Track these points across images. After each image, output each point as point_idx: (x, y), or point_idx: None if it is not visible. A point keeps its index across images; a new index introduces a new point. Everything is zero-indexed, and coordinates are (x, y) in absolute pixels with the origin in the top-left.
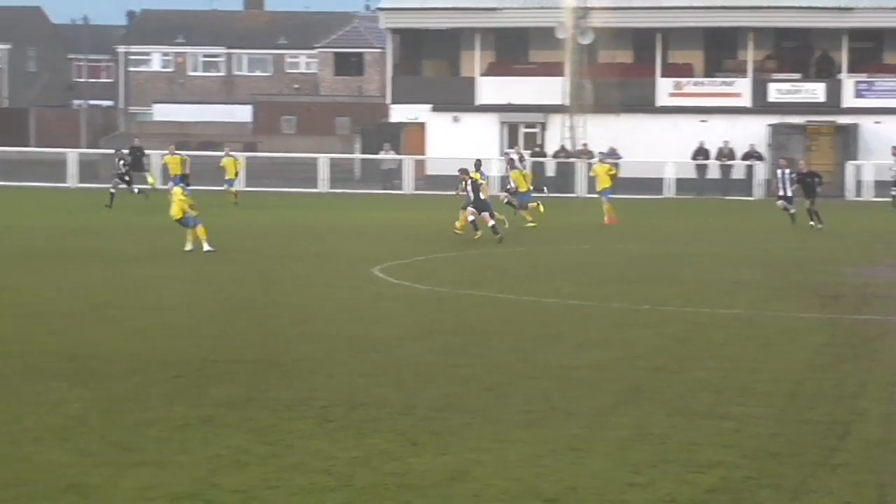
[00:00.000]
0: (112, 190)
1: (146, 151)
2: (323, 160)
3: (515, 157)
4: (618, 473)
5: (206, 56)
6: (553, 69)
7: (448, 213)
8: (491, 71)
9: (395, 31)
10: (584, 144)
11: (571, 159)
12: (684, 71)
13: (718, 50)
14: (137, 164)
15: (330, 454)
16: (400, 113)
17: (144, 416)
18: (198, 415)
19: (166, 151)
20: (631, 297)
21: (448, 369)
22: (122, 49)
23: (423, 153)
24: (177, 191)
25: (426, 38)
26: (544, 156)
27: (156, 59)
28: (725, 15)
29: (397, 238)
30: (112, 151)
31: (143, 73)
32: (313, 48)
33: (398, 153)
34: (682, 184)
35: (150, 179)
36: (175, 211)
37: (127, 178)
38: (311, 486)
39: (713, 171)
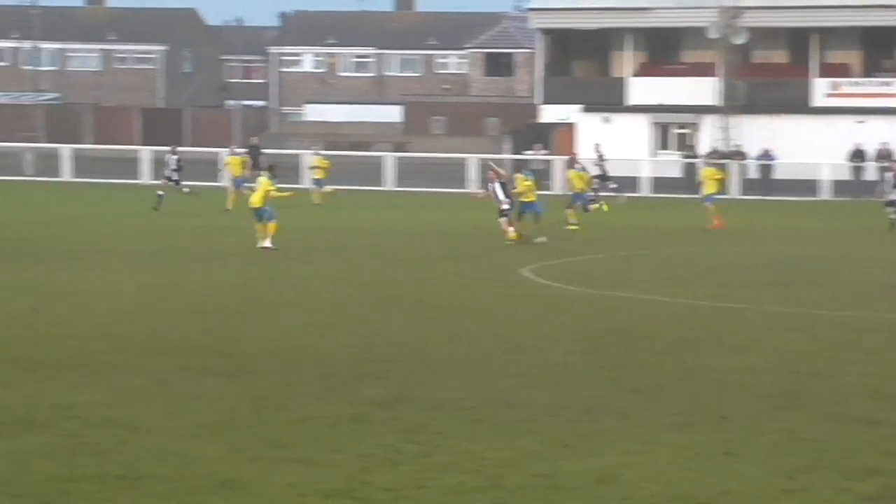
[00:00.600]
0: (159, 192)
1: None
2: (472, 160)
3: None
4: (772, 479)
5: (357, 57)
6: (705, 69)
7: (597, 215)
8: (642, 71)
9: (545, 31)
10: (738, 145)
11: (724, 161)
12: (841, 71)
13: (876, 49)
14: (255, 162)
15: (479, 454)
16: (550, 113)
17: (296, 413)
18: (349, 413)
19: (313, 152)
20: (783, 299)
21: (597, 371)
22: (274, 50)
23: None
24: (264, 181)
25: (577, 38)
26: (696, 157)
27: (307, 60)
28: (884, 14)
29: (549, 239)
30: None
31: (295, 73)
32: (463, 48)
33: (548, 154)
34: (838, 186)
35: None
36: (255, 199)
37: (175, 177)
38: (461, 487)
39: (870, 173)
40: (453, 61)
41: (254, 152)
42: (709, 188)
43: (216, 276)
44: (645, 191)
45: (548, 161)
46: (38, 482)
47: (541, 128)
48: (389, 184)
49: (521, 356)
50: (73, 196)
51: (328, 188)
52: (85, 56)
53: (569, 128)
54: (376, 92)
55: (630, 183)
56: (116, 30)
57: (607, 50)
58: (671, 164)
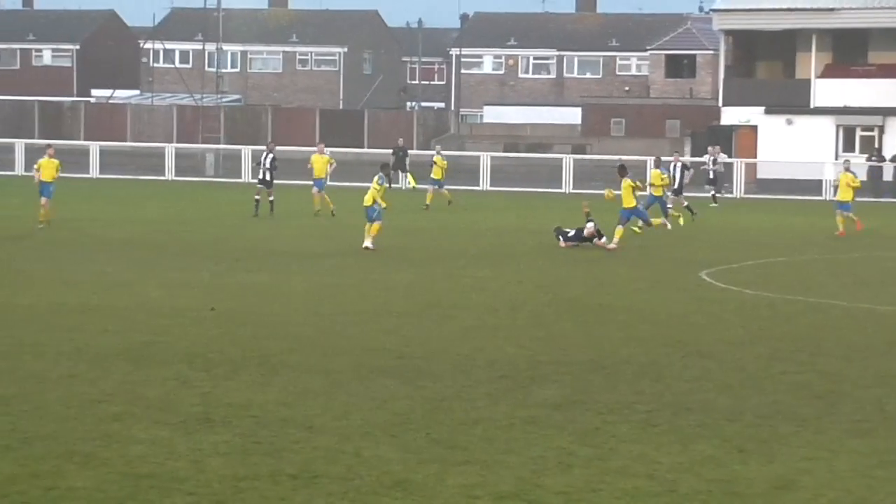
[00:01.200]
0: (256, 196)
1: (409, 152)
2: (652, 162)
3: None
4: None
5: (536, 58)
6: (893, 71)
7: (782, 218)
8: (827, 72)
9: (728, 32)
10: None
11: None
12: None
13: None
14: (400, 163)
15: (654, 459)
16: (732, 115)
17: (469, 415)
18: (522, 415)
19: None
20: None
21: (777, 376)
22: (454, 51)
23: (754, 156)
24: (375, 180)
25: (760, 39)
26: (882, 160)
27: (487, 62)
28: None
29: (727, 242)
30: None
31: (475, 75)
32: (645, 50)
33: (729, 156)
34: None
35: (410, 180)
36: (367, 199)
37: (268, 178)
38: (635, 491)
39: None
40: (634, 63)
41: (399, 153)
42: (843, 195)
43: (393, 277)
44: (828, 194)
45: (728, 164)
46: (214, 480)
47: (722, 130)
48: (568, 186)
49: (698, 360)
50: (251, 197)
51: (445, 190)
52: (267, 58)
53: (751, 130)
54: (556, 94)
55: (814, 186)
56: (298, 32)
57: (792, 51)
58: (856, 167)
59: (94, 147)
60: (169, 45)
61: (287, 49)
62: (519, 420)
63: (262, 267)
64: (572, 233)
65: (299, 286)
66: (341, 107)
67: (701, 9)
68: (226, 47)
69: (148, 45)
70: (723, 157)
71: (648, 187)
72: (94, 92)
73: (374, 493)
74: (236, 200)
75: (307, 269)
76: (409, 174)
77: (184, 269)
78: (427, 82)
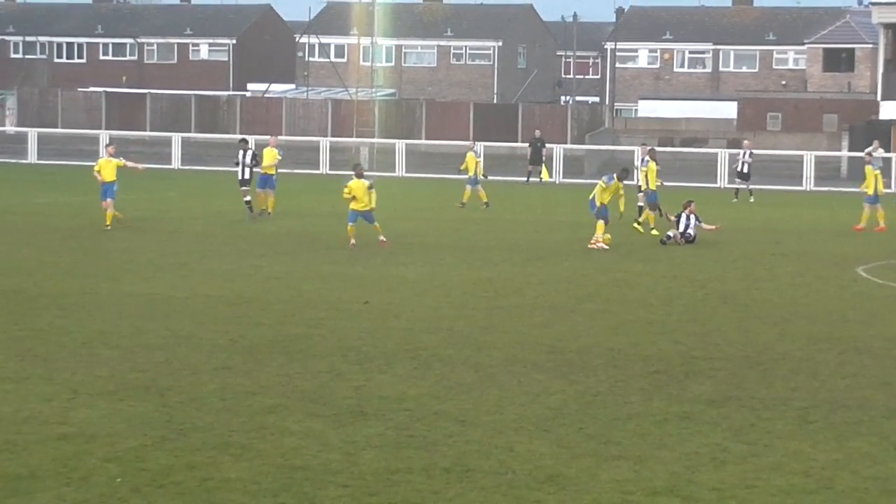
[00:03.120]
0: (246, 199)
1: (547, 144)
2: (808, 157)
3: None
4: None
5: (692, 52)
6: None
7: None
8: None
9: (887, 25)
10: None
11: None
12: None
13: None
14: (537, 155)
15: (810, 456)
16: (891, 110)
17: (623, 410)
18: (676, 411)
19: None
20: None
21: None
22: (609, 45)
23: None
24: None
25: None
26: None
27: (642, 56)
28: None
29: (883, 238)
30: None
31: (630, 69)
32: (802, 44)
33: (887, 151)
34: None
35: (543, 173)
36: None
37: (248, 177)
38: (790, 488)
39: None
40: (791, 56)
41: (536, 144)
42: (868, 187)
43: (545, 271)
44: None
45: (888, 158)
46: (367, 473)
47: (881, 125)
48: (722, 180)
49: (855, 356)
50: (405, 190)
51: (479, 188)
52: (421, 52)
53: None
54: (711, 88)
55: None
56: (453, 26)
57: None
58: None
59: (251, 141)
60: (324, 40)
61: (441, 43)
62: (673, 415)
63: (415, 260)
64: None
65: (452, 279)
66: (495, 101)
67: (860, 2)
68: (380, 41)
69: (303, 40)
70: (880, 153)
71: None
72: (250, 86)
73: (526, 487)
74: (389, 194)
75: (460, 261)
76: (544, 166)
77: (337, 262)
78: (582, 76)
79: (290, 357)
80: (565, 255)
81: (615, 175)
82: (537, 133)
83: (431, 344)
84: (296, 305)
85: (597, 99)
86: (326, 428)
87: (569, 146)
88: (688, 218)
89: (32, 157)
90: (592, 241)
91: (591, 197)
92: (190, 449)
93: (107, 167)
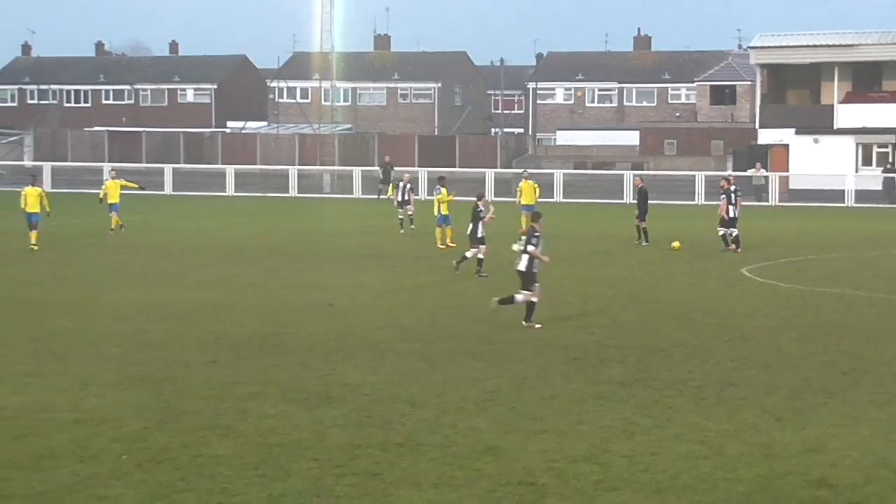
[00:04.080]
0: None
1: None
2: (699, 177)
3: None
4: None
5: (601, 90)
6: None
7: (811, 222)
8: (848, 99)
9: (763, 66)
10: None
11: None
12: None
13: None
14: (387, 176)
15: (704, 427)
16: (767, 136)
17: (547, 391)
18: (592, 391)
19: (566, 169)
20: None
21: (807, 356)
22: (531, 85)
23: (786, 170)
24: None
25: (790, 71)
26: (895, 172)
27: (559, 93)
28: None
29: (765, 243)
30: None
31: (549, 104)
32: (692, 82)
33: (767, 171)
34: None
35: (390, 191)
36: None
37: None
38: (688, 454)
39: None
40: (683, 93)
41: (387, 168)
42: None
43: (467, 276)
44: (849, 202)
45: (766, 177)
46: (333, 448)
47: (759, 148)
48: (629, 197)
49: (741, 343)
50: (362, 210)
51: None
52: (373, 93)
53: (783, 148)
54: (617, 119)
55: (837, 195)
56: (399, 71)
57: (817, 81)
58: (872, 178)
59: (230, 170)
60: (291, 84)
61: (390, 85)
62: (589, 395)
63: (371, 268)
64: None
65: (403, 284)
66: (436, 133)
67: (740, 46)
68: (339, 84)
69: (273, 84)
70: (762, 172)
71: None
72: (230, 124)
73: (468, 457)
74: (348, 212)
75: (409, 269)
76: (390, 186)
77: (305, 271)
78: (508, 111)
79: (266, 352)
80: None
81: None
82: (387, 158)
83: (385, 339)
84: (270, 308)
85: (521, 130)
86: (298, 411)
87: (499, 170)
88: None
89: (47, 187)
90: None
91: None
92: (183, 430)
93: (113, 189)
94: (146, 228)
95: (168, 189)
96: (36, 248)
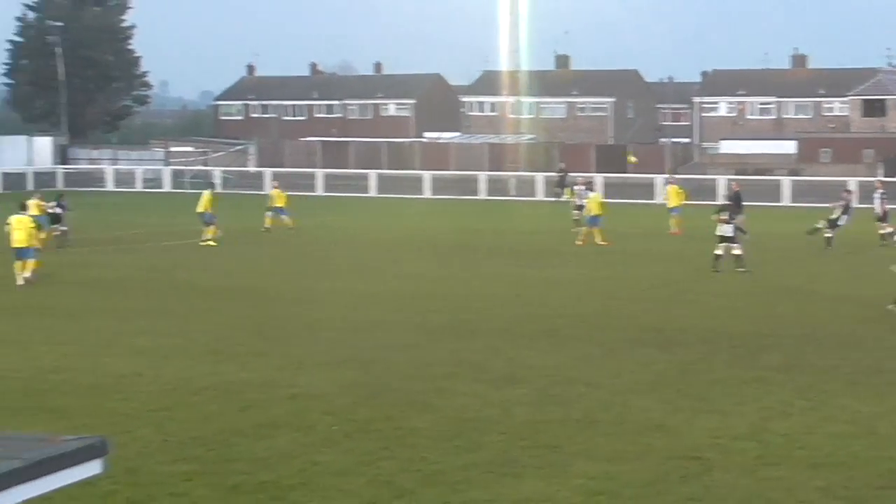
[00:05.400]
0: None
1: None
2: (853, 182)
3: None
4: None
5: (761, 104)
6: None
7: None
8: None
9: None
10: None
11: None
12: None
13: None
14: (562, 181)
15: (856, 409)
16: None
17: (711, 375)
18: (752, 375)
19: (728, 175)
20: None
21: None
22: (697, 99)
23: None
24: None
25: None
26: None
27: (722, 107)
28: None
29: None
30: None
31: (713, 117)
32: (845, 96)
33: None
34: None
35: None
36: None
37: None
38: (841, 433)
39: None
40: (837, 106)
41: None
42: None
43: (643, 271)
44: None
45: None
46: (518, 423)
47: None
48: (786, 201)
49: (892, 334)
50: (543, 211)
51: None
52: (554, 106)
53: None
54: (776, 130)
55: None
56: (578, 86)
57: None
58: None
59: (427, 175)
60: (481, 99)
61: (569, 100)
62: (750, 379)
63: (551, 262)
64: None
65: (579, 277)
66: (611, 143)
67: (889, 63)
68: (524, 99)
69: (466, 99)
70: None
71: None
72: (427, 134)
73: (639, 433)
74: (531, 213)
75: (583, 264)
76: (566, 190)
77: (494, 265)
78: (676, 123)
79: (460, 336)
80: (655, 256)
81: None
82: (562, 165)
83: (565, 326)
84: (463, 297)
85: (688, 140)
86: (487, 389)
87: (665, 176)
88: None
89: (267, 189)
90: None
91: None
92: (387, 405)
93: (279, 197)
94: (353, 227)
95: (373, 192)
96: (213, 243)
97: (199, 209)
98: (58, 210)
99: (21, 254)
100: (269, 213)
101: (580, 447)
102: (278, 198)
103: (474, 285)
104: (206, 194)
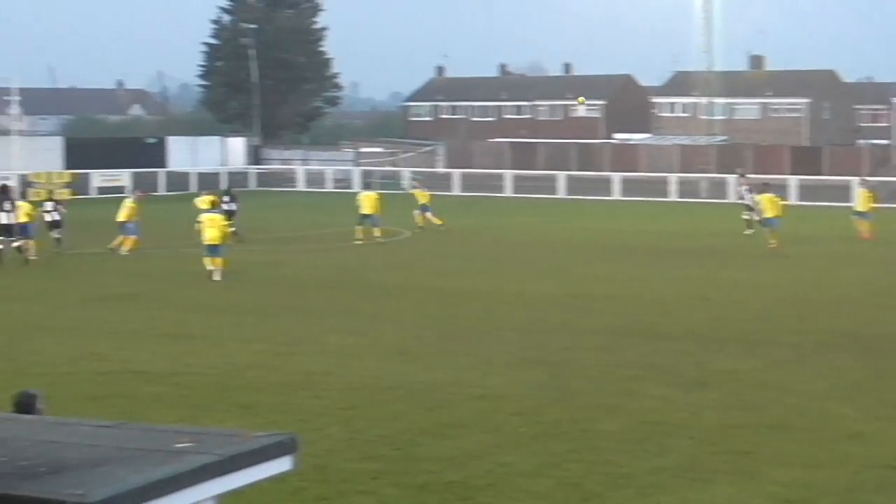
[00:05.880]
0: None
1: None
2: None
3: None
4: None
5: None
6: None
7: None
8: None
9: None
10: None
11: None
12: None
13: None
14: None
15: None
16: None
17: None
18: None
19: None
20: None
21: None
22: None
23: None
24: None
25: None
26: None
27: None
28: None
29: None
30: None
31: None
32: None
33: None
34: None
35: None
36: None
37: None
38: None
39: None
40: None
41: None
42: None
43: (843, 275)
44: None
45: None
46: (708, 428)
47: None
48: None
49: None
50: (734, 213)
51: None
52: (747, 108)
53: None
54: None
55: None
56: (772, 87)
57: None
58: None
59: (616, 176)
60: (672, 100)
61: (763, 101)
62: None
63: (744, 267)
64: None
65: (768, 280)
66: (806, 144)
67: None
68: (715, 100)
69: (656, 100)
70: None
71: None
72: (616, 135)
73: (835, 441)
74: (722, 216)
75: (773, 267)
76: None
77: (683, 267)
78: (875, 124)
79: (648, 339)
80: (855, 259)
81: None
82: (739, 170)
83: (758, 330)
84: (651, 300)
85: (887, 142)
86: (676, 393)
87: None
88: None
89: (456, 190)
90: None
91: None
92: (574, 407)
93: (421, 195)
94: (541, 228)
95: (561, 193)
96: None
97: (121, 218)
98: (232, 206)
99: (213, 251)
100: (417, 212)
101: (772, 453)
102: (421, 196)
103: (663, 288)
104: (127, 202)
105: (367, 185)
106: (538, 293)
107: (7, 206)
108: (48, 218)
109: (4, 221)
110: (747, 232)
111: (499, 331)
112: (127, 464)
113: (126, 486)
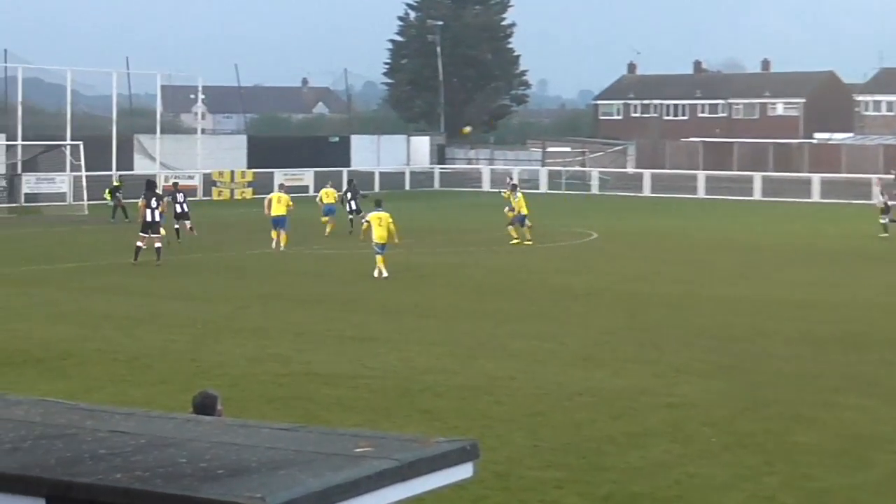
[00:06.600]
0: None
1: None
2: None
3: None
4: None
5: None
6: None
7: None
8: None
9: None
10: None
11: None
12: None
13: None
14: None
15: None
16: None
17: None
18: None
19: None
20: None
21: None
22: None
23: None
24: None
25: None
26: None
27: None
28: None
29: None
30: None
31: None
32: None
33: None
34: None
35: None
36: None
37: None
38: None
39: None
40: None
41: None
42: None
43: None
44: None
45: None
46: None
47: None
48: None
49: None
50: None
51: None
52: None
53: None
54: None
55: None
56: None
57: None
58: None
59: (816, 178)
60: (877, 98)
61: None
62: None
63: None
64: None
65: None
66: None
67: None
68: None
69: (860, 98)
70: None
71: None
72: (816, 135)
73: None
74: None
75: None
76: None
77: (888, 273)
78: None
79: (849, 348)
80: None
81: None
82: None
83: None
84: (853, 308)
85: None
86: (879, 405)
87: None
88: None
89: (647, 191)
90: None
91: None
92: (768, 417)
93: (520, 202)
94: (735, 231)
95: (757, 195)
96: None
97: (275, 213)
98: (352, 202)
99: (381, 249)
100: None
101: None
102: (518, 204)
103: (865, 294)
104: (284, 197)
105: (513, 188)
106: (731, 298)
107: (154, 202)
108: (178, 210)
109: (149, 219)
110: (882, 235)
111: (689, 337)
112: (306, 468)
113: (305, 490)
